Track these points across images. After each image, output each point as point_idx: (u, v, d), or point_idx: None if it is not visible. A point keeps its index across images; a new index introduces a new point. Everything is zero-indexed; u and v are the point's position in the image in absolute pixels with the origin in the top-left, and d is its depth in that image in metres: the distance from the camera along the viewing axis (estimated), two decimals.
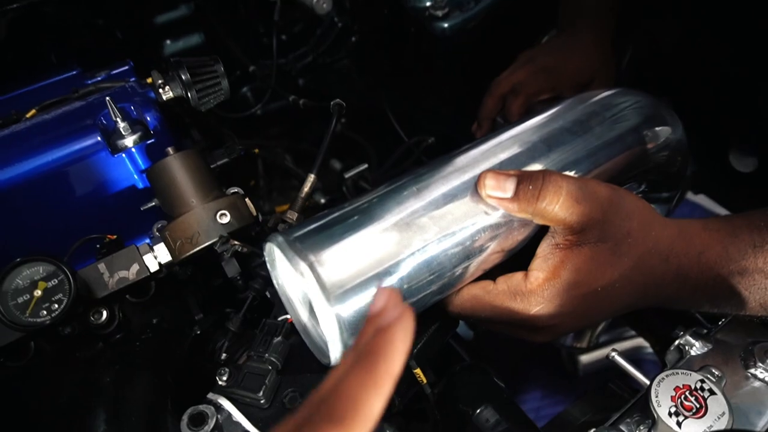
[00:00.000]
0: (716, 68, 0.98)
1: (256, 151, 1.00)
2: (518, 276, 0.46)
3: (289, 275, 0.46)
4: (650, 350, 1.65)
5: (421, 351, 0.58)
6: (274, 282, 0.47)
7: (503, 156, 0.49)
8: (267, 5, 1.38)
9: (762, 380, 0.59)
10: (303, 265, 0.39)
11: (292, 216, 0.59)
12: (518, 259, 0.51)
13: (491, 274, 0.50)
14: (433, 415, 0.59)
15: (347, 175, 1.20)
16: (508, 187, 0.43)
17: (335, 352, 0.41)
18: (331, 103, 0.71)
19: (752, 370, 0.59)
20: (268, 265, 0.45)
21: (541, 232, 0.49)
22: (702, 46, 0.98)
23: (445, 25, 1.13)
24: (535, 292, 0.45)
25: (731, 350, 0.62)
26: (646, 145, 0.57)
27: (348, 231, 0.40)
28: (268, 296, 0.62)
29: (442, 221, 0.43)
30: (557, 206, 0.43)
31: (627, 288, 0.47)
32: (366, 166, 1.19)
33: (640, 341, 1.71)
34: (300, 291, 0.47)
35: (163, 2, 1.31)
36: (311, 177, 0.59)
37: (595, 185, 0.45)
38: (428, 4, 1.14)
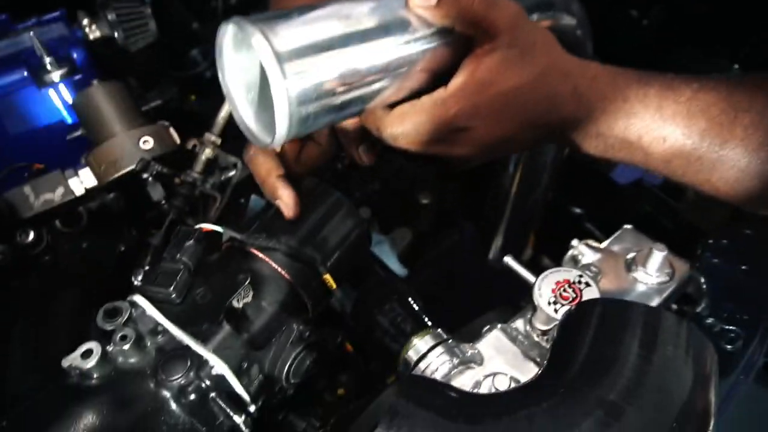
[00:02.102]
0: None
1: (193, 98, 1.03)
2: (440, 89, 0.52)
3: (242, 57, 0.49)
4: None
5: (336, 262, 0.63)
6: (220, 75, 0.50)
7: None
8: None
9: (642, 282, 0.66)
10: (259, 37, 0.42)
11: (209, 137, 0.63)
12: None
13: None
14: (346, 323, 0.64)
15: None
16: None
17: (282, 124, 0.45)
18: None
19: (633, 274, 0.66)
20: (218, 56, 0.48)
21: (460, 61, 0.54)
22: None
23: None
24: (453, 94, 0.51)
25: (618, 257, 0.69)
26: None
27: (300, 18, 0.45)
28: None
29: (381, 33, 0.49)
30: (477, 6, 0.50)
31: (531, 97, 0.53)
32: None
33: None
34: (249, 74, 0.50)
35: None
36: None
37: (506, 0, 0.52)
38: None
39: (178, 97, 0.89)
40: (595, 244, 0.72)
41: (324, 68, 0.45)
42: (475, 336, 0.66)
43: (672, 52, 1.10)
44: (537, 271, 0.67)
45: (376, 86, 0.49)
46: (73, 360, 0.47)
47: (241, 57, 0.49)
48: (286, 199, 0.60)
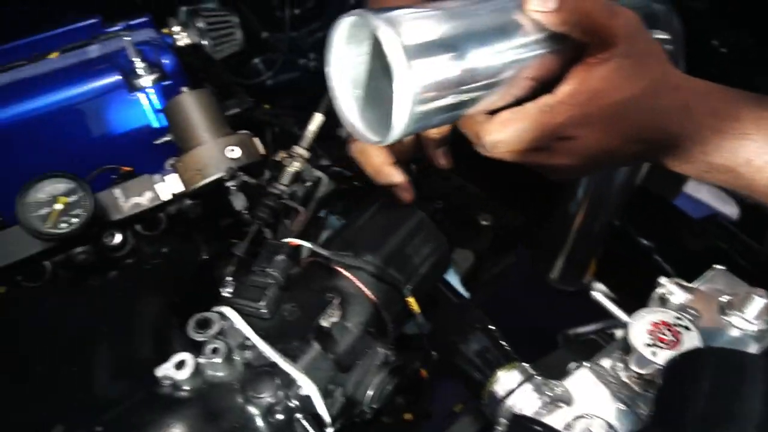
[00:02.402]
0: None
1: (267, 107, 1.03)
2: (546, 95, 0.51)
3: (352, 51, 0.49)
4: None
5: (418, 285, 0.61)
6: (327, 69, 0.49)
7: None
8: None
9: (738, 327, 0.62)
10: (387, 29, 0.41)
11: (297, 151, 0.63)
12: None
13: None
14: (424, 346, 0.62)
15: None
16: (550, 3, 0.48)
17: (401, 121, 0.43)
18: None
19: (728, 318, 0.62)
20: (328, 49, 0.48)
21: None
22: None
23: None
24: (562, 101, 0.50)
25: (711, 299, 0.65)
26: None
27: (420, 15, 0.44)
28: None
29: (498, 35, 0.48)
30: (596, 13, 0.48)
31: (642, 110, 0.52)
32: None
33: None
34: (358, 69, 0.50)
35: None
36: (317, 115, 0.63)
37: (623, 7, 0.50)
38: None
39: (253, 107, 0.89)
40: (684, 283, 0.68)
41: (447, 66, 0.44)
42: (558, 372, 0.63)
43: (753, 82, 1.05)
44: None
45: (486, 90, 0.48)
46: (166, 370, 0.47)
47: (351, 51, 0.49)
48: (404, 184, 0.63)
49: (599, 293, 0.62)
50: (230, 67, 1.38)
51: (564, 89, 0.50)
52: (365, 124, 0.51)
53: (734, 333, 0.62)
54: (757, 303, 0.62)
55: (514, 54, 0.48)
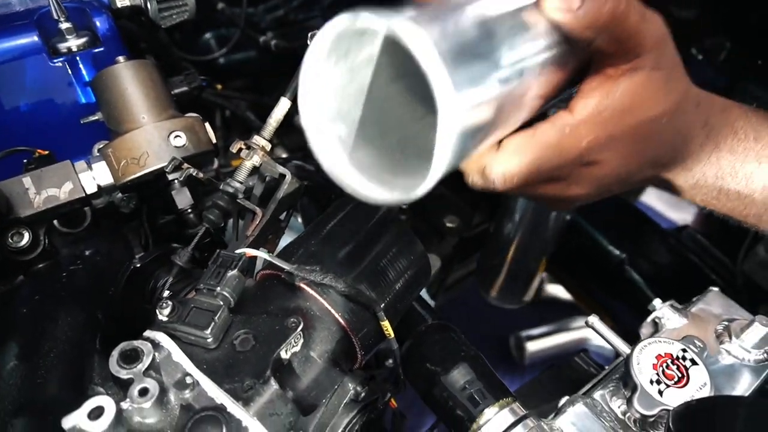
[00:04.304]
0: None
1: (220, 87, 0.92)
2: (561, 114, 0.44)
3: (336, 73, 0.36)
4: (595, 342, 1.68)
5: (392, 303, 0.53)
6: (301, 97, 0.35)
7: None
8: None
9: (735, 357, 0.57)
10: (417, 31, 0.30)
11: (259, 142, 0.52)
12: None
13: None
14: (397, 374, 0.54)
15: None
16: (575, 0, 0.39)
17: (441, 162, 0.32)
18: (309, 34, 0.63)
19: (726, 346, 0.58)
20: (304, 68, 0.34)
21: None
22: None
23: None
24: (586, 120, 0.43)
25: (706, 325, 0.60)
26: None
27: (437, 15, 0.33)
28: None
29: (519, 35, 0.38)
30: (629, 17, 0.40)
31: (668, 128, 0.46)
32: None
33: (586, 332, 1.73)
34: (340, 97, 0.37)
35: None
36: (284, 100, 0.53)
37: (651, 11, 0.43)
38: None
39: (203, 86, 0.77)
40: (678, 305, 0.63)
41: (486, 79, 0.34)
42: (541, 399, 0.57)
43: (735, 91, 1.04)
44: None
45: (516, 110, 0.38)
46: (77, 421, 0.36)
47: (335, 72, 0.36)
48: None
49: (596, 321, 0.56)
50: (177, 41, 1.24)
51: (586, 105, 0.42)
52: (363, 173, 0.37)
53: (728, 361, 0.58)
54: (757, 330, 0.57)
55: (538, 63, 0.39)
